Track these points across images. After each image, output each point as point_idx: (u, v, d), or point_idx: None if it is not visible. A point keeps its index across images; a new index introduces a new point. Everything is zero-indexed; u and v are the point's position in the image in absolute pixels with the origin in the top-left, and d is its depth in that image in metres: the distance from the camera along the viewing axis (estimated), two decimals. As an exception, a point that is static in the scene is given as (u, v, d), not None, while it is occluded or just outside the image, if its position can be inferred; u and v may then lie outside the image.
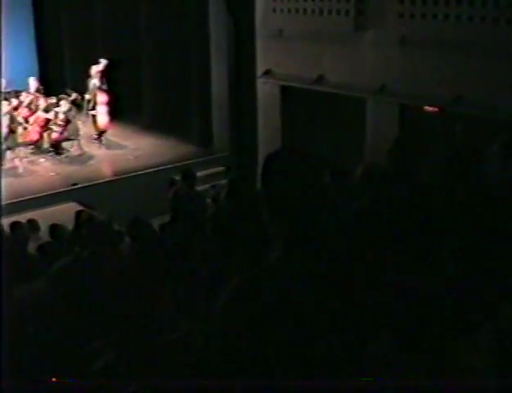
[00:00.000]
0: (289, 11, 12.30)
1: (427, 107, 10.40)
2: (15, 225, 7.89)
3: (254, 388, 2.23)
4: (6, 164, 13.12)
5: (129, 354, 4.17)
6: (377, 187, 4.93)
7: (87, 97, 14.87)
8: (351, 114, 11.59)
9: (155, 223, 7.53)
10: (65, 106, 13.84)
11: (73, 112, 14.04)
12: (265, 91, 13.07)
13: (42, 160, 13.58)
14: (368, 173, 5.53)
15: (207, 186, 11.62)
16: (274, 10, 12.59)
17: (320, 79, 11.78)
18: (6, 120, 13.11)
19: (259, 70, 12.97)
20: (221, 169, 13.19)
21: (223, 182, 11.49)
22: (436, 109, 10.28)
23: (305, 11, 11.99)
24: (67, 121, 13.76)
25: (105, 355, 4.30)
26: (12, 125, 13.26)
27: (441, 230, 3.73)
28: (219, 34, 13.50)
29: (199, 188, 11.07)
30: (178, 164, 13.05)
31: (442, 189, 4.50)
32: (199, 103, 14.24)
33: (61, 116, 13.66)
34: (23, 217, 8.79)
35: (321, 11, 11.68)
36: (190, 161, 13.20)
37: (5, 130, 13.00)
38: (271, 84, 12.88)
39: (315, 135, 11.94)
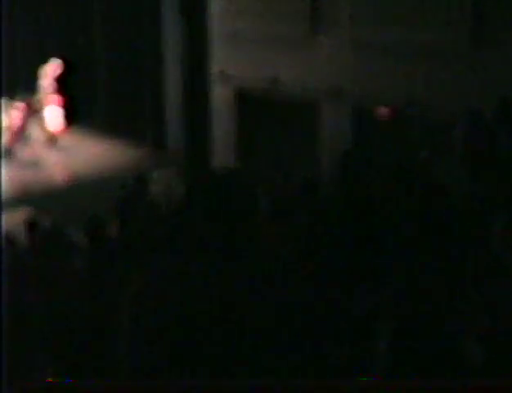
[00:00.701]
0: (244, 12, 12.28)
1: (381, 112, 10.48)
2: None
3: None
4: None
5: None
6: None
7: (38, 98, 14.62)
8: (305, 117, 11.63)
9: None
10: (17, 112, 13.61)
11: (26, 118, 13.82)
12: (219, 93, 13.04)
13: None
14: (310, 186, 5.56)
15: (160, 187, 11.55)
16: (229, 11, 12.57)
17: (274, 82, 11.79)
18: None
19: (213, 72, 12.93)
20: (174, 169, 13.11)
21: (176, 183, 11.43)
22: (389, 113, 10.36)
23: (260, 13, 11.99)
24: (21, 128, 13.56)
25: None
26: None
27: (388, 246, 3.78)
28: (173, 35, 13.44)
29: (153, 189, 11.07)
30: (132, 166, 12.97)
31: (389, 202, 4.57)
32: (153, 105, 14.16)
33: (14, 123, 13.44)
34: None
35: (277, 14, 11.69)
36: (143, 164, 13.12)
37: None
38: (224, 86, 12.85)
39: (268, 139, 11.97)
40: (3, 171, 13.04)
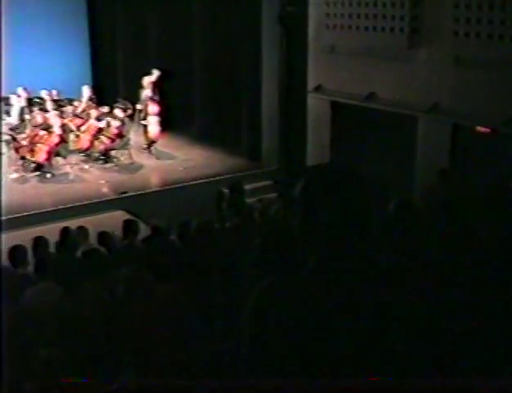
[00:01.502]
0: (342, 27, 12.29)
1: (479, 128, 10.27)
2: (64, 231, 8.00)
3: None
4: (58, 171, 13.39)
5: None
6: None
7: (138, 107, 15.04)
8: (401, 132, 11.50)
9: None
10: (116, 120, 13.99)
11: (126, 125, 14.23)
12: (315, 106, 13.07)
13: (93, 168, 13.77)
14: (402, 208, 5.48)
15: (254, 199, 11.65)
16: (327, 26, 12.61)
17: (371, 97, 11.73)
18: (58, 129, 13.37)
19: (310, 85, 12.98)
20: (269, 182, 13.18)
21: (270, 196, 11.51)
22: (488, 130, 10.14)
23: (358, 27, 11.97)
24: (119, 134, 13.95)
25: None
26: (64, 134, 13.52)
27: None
28: (271, 48, 13.54)
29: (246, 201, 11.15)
30: (227, 176, 13.16)
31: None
32: (250, 116, 14.29)
33: (114, 130, 13.85)
34: (72, 223, 8.86)
35: (375, 28, 11.64)
36: (238, 174, 13.29)
37: (56, 139, 13.24)
38: (321, 100, 12.87)
39: (364, 153, 11.90)
40: (100, 174, 13.50)
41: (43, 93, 15.24)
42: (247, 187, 12.72)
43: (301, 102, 13.19)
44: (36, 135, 13.30)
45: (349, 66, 12.12)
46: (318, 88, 12.82)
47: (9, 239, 9.62)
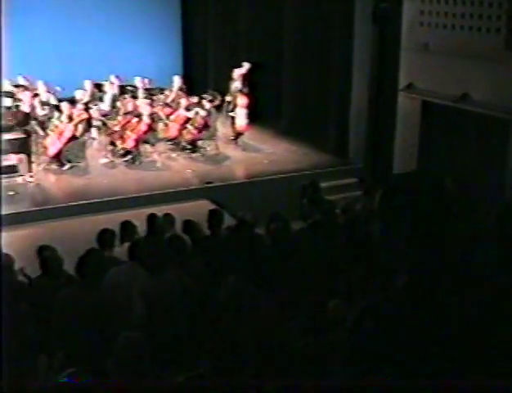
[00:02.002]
0: (437, 25, 12.06)
1: None
2: (151, 217, 8.14)
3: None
4: (146, 158, 13.64)
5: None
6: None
7: (227, 98, 15.15)
8: (493, 136, 11.21)
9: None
10: (204, 109, 14.13)
11: (213, 116, 14.36)
12: (405, 105, 12.87)
13: (179, 157, 13.96)
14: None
15: (339, 196, 11.61)
16: (421, 23, 12.41)
17: (464, 97, 11.46)
18: (147, 118, 13.60)
19: (401, 84, 12.79)
20: (354, 180, 13.08)
21: (355, 193, 11.42)
22: None
23: (453, 26, 11.73)
24: (205, 124, 14.09)
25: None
26: (153, 123, 13.75)
27: None
28: (363, 44, 13.40)
29: (330, 198, 11.11)
30: (311, 171, 13.12)
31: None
32: (338, 112, 14.18)
33: (200, 120, 13.99)
34: (157, 210, 9.00)
35: (470, 28, 11.38)
36: (323, 170, 13.24)
37: (145, 127, 13.48)
38: (412, 99, 12.67)
39: (453, 154, 11.65)
40: (187, 163, 13.68)
41: (137, 81, 15.53)
42: (331, 183, 12.71)
43: (391, 100, 13.02)
44: (127, 122, 13.57)
45: (442, 65, 11.87)
46: (409, 87, 12.61)
47: (97, 222, 9.91)
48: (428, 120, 12.55)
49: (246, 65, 15.30)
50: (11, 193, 12.01)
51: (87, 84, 15.27)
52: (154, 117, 13.90)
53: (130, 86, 15.59)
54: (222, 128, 14.82)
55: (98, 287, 5.71)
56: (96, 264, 5.77)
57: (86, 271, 5.69)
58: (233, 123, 14.87)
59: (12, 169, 12.57)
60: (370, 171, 13.32)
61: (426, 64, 12.26)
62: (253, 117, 14.92)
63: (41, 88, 14.72)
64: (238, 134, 14.83)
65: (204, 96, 14.71)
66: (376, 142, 13.44)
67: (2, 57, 13.22)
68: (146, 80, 15.64)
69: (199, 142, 14.23)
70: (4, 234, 10.21)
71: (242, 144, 14.74)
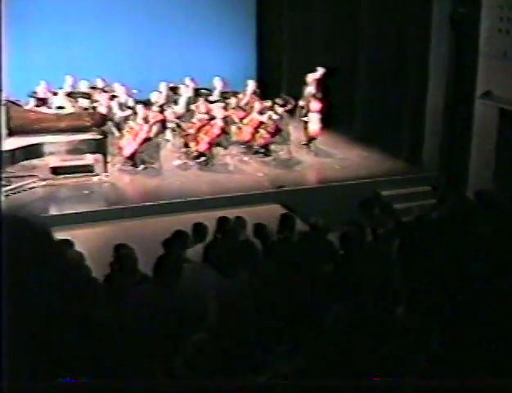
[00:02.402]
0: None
1: None
2: (223, 219, 8.19)
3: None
4: (219, 161, 13.74)
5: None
6: None
7: (300, 103, 15.13)
8: None
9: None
10: (277, 113, 14.15)
11: (285, 120, 14.37)
12: (482, 113, 12.60)
13: (252, 161, 14.02)
14: None
15: (412, 204, 11.46)
16: (500, 30, 12.14)
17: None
18: (220, 121, 13.69)
19: (478, 91, 12.53)
20: (427, 188, 12.88)
21: (429, 202, 11.24)
22: None
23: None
24: (278, 129, 14.10)
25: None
26: (226, 126, 13.85)
27: None
28: (440, 51, 13.19)
29: (403, 206, 10.97)
30: (384, 178, 13.00)
31: None
32: (412, 118, 13.98)
33: (273, 124, 14.02)
34: (229, 212, 9.05)
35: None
36: (396, 177, 13.10)
37: (218, 130, 13.57)
38: (489, 106, 12.41)
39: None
40: (259, 167, 13.72)
41: (216, 81, 15.69)
42: (404, 191, 12.56)
43: (467, 107, 12.77)
44: (202, 125, 13.70)
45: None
46: (487, 94, 12.35)
47: (168, 222, 10.04)
48: (506, 128, 12.26)
49: (320, 70, 15.26)
50: (87, 192, 12.30)
51: (163, 87, 15.51)
52: (227, 120, 14.00)
53: (204, 89, 15.76)
54: (294, 132, 14.80)
55: (174, 287, 5.77)
56: (174, 264, 5.83)
57: (163, 270, 5.75)
58: (306, 127, 14.83)
59: (88, 169, 12.86)
60: (445, 179, 13.09)
61: (505, 71, 11.99)
62: (326, 122, 14.85)
63: (118, 90, 15.01)
64: (311, 139, 14.79)
65: (277, 100, 14.72)
66: (451, 149, 13.19)
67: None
68: (222, 83, 15.77)
69: (272, 146, 14.25)
70: (79, 232, 10.50)
71: (314, 149, 14.70)
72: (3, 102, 12.94)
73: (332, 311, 4.74)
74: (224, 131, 13.78)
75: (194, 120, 14.08)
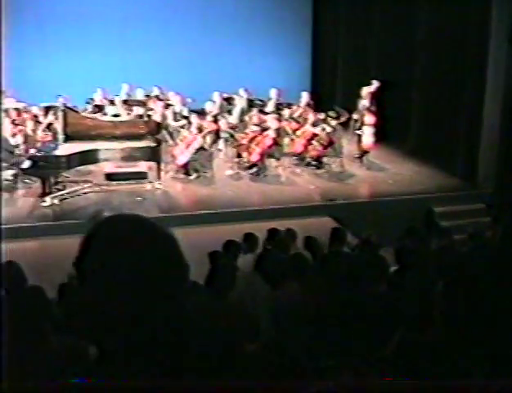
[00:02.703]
0: None
1: None
2: (273, 231, 8.20)
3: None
4: (270, 172, 13.75)
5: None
6: None
7: (354, 116, 15.08)
8: None
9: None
10: (330, 126, 14.10)
11: (338, 132, 14.32)
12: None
13: (304, 173, 13.99)
14: None
15: (465, 222, 11.29)
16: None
17: None
18: (273, 132, 13.69)
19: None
20: (482, 206, 12.68)
21: (483, 220, 11.08)
22: None
23: None
24: (330, 141, 14.06)
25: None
26: (279, 137, 13.87)
27: None
28: (498, 65, 12.99)
29: (455, 223, 10.83)
30: (437, 194, 12.85)
31: None
32: (468, 134, 13.76)
33: (326, 136, 13.98)
34: (279, 224, 9.05)
35: None
36: (450, 193, 12.93)
37: (270, 141, 13.58)
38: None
39: None
40: (311, 179, 13.68)
41: (271, 92, 15.75)
42: (458, 208, 12.38)
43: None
44: (255, 136, 13.75)
45: None
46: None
47: (219, 232, 10.08)
48: None
49: (375, 83, 15.19)
50: (139, 199, 12.43)
51: (216, 96, 15.62)
52: (280, 131, 14.02)
53: (258, 100, 15.81)
54: (347, 145, 14.74)
55: (226, 296, 5.78)
56: (228, 274, 5.84)
57: (216, 279, 5.76)
58: (359, 141, 14.76)
59: (142, 176, 13.02)
60: (500, 197, 12.85)
61: None
62: (380, 136, 14.76)
63: (173, 99, 15.17)
64: (363, 153, 14.71)
65: (330, 112, 14.68)
66: (507, 166, 12.96)
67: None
68: (277, 94, 15.81)
69: (324, 159, 14.22)
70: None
71: (367, 163, 14.61)
72: (61, 108, 13.22)
73: (393, 340, 4.69)
74: (277, 142, 13.80)
75: (247, 131, 14.14)
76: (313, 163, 14.15)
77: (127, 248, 1.76)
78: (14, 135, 13.15)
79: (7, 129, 13.16)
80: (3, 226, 11.09)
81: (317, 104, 15.84)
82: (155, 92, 15.74)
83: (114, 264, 1.75)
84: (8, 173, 12.41)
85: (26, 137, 13.40)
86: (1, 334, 4.44)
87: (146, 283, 1.76)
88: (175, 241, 1.91)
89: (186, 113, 14.84)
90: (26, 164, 12.04)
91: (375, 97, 15.11)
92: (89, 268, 1.78)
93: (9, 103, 14.87)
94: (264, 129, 13.85)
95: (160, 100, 15.23)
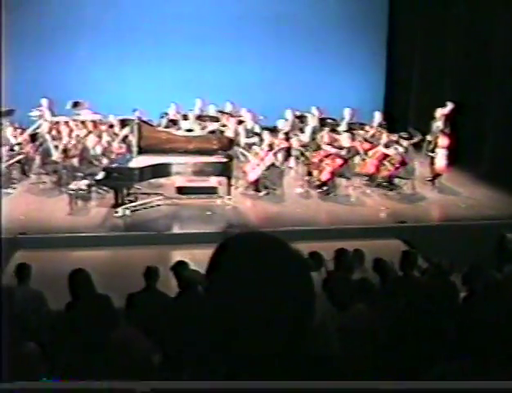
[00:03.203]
0: None
1: None
2: (340, 251, 8.13)
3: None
4: (340, 191, 13.68)
5: None
6: None
7: (428, 138, 14.88)
8: None
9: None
10: (402, 147, 13.95)
11: (411, 154, 14.15)
12: None
13: (374, 194, 13.86)
14: None
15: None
16: None
17: None
18: (344, 151, 13.63)
19: None
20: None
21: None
22: None
23: None
24: (402, 162, 13.91)
25: None
26: (350, 157, 13.80)
27: None
28: None
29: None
30: (510, 220, 12.54)
31: None
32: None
33: (398, 157, 13.83)
34: (347, 244, 8.97)
35: None
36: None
37: (341, 161, 13.52)
38: None
39: None
40: (381, 200, 13.55)
41: (345, 111, 15.70)
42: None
43: None
44: (326, 155, 13.72)
45: None
46: None
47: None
48: None
49: (450, 105, 14.97)
50: (209, 213, 12.55)
51: (289, 114, 15.67)
52: (352, 151, 13.95)
53: (330, 118, 15.77)
54: (419, 167, 14.55)
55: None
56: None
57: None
58: (432, 163, 14.55)
59: (212, 191, 13.14)
60: None
61: None
62: (453, 158, 14.52)
63: (246, 116, 15.28)
64: (436, 175, 14.49)
65: (403, 134, 14.52)
66: None
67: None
68: (350, 114, 15.73)
69: (396, 180, 14.07)
70: (198, 251, 10.72)
71: (439, 185, 14.39)
72: (136, 121, 13.48)
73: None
74: (347, 162, 13.73)
75: (318, 149, 14.12)
76: (384, 184, 14.03)
77: (257, 265, 1.79)
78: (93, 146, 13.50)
79: (91, 140, 13.51)
80: (76, 234, 11.41)
81: (390, 124, 15.69)
82: (228, 108, 15.89)
83: (242, 280, 1.78)
84: (83, 183, 12.71)
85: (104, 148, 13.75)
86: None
87: (272, 304, 1.78)
88: (308, 266, 1.93)
89: (257, 130, 14.93)
90: (100, 175, 12.31)
91: (449, 119, 14.88)
92: (218, 280, 1.82)
93: (86, 115, 15.27)
94: (335, 148, 13.81)
95: (233, 116, 15.37)
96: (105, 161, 13.34)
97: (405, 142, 14.15)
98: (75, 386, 3.97)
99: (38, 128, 14.76)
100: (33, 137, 14.59)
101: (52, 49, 17.72)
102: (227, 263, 1.82)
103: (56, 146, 13.77)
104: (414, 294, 6.75)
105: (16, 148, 14.14)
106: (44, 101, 15.36)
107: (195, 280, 6.64)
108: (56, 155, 13.62)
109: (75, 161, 13.45)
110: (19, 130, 14.78)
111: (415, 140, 14.58)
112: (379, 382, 1.81)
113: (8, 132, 14.36)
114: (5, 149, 13.71)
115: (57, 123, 14.81)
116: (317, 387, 1.82)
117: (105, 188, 12.92)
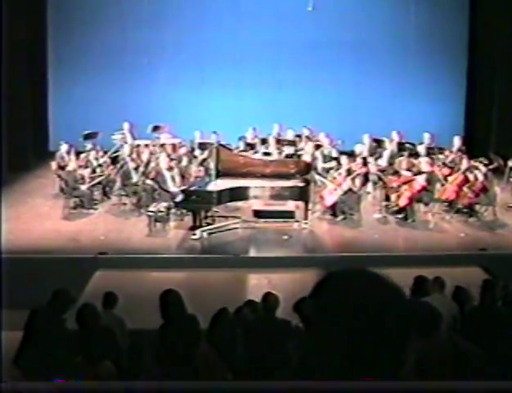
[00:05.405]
0: None
1: None
2: (420, 279, 8.00)
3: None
4: (419, 218, 13.46)
5: None
6: None
7: (510, 163, 14.54)
8: None
9: None
10: (482, 173, 13.65)
11: (492, 180, 13.83)
12: None
13: (454, 220, 13.59)
14: None
15: None
16: None
17: None
18: (423, 177, 13.42)
19: None
20: None
21: None
22: None
23: None
24: (483, 189, 13.59)
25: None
26: (429, 182, 13.57)
27: None
28: None
29: None
30: None
31: None
32: None
33: (478, 183, 13.52)
34: (425, 272, 8.80)
35: None
36: None
37: (419, 186, 13.30)
38: None
39: None
40: (461, 227, 13.27)
41: (425, 136, 15.49)
42: None
43: None
44: (405, 180, 13.55)
45: None
46: None
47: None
48: None
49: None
50: (285, 237, 12.55)
51: (366, 139, 15.57)
52: (431, 177, 13.73)
53: (409, 143, 15.60)
54: (501, 193, 14.19)
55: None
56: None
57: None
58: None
59: (289, 215, 13.14)
60: None
61: None
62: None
63: (323, 140, 15.27)
64: (518, 202, 14.13)
65: (482, 159, 14.21)
66: None
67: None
68: (429, 139, 15.51)
69: (476, 207, 13.76)
70: (275, 276, 10.74)
71: (520, 211, 14.02)
72: (214, 145, 13.66)
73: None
74: (426, 187, 13.52)
75: (396, 174, 13.97)
76: (464, 210, 13.73)
77: (359, 304, 1.77)
78: (170, 169, 13.65)
79: (164, 163, 13.72)
80: (154, 255, 11.60)
81: (470, 150, 15.41)
82: (305, 132, 15.92)
83: (342, 318, 1.77)
84: (162, 205, 12.91)
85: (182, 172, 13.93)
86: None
87: (369, 345, 1.75)
88: (414, 307, 1.92)
89: (335, 154, 14.89)
90: (179, 197, 12.50)
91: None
92: (317, 314, 1.81)
93: (165, 139, 15.58)
94: (414, 174, 13.63)
95: (311, 140, 15.39)
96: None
97: (483, 168, 13.85)
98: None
99: (118, 150, 15.14)
100: (114, 160, 14.93)
101: (135, 74, 18.15)
102: (327, 298, 1.80)
103: (136, 169, 14.05)
104: (493, 324, 6.58)
105: (98, 170, 14.50)
106: (126, 125, 15.79)
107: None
108: (135, 178, 13.90)
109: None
110: (101, 152, 15.18)
111: (495, 165, 14.26)
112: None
113: (91, 155, 14.76)
114: (87, 171, 14.07)
115: (138, 146, 15.15)
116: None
117: (183, 211, 13.09)
